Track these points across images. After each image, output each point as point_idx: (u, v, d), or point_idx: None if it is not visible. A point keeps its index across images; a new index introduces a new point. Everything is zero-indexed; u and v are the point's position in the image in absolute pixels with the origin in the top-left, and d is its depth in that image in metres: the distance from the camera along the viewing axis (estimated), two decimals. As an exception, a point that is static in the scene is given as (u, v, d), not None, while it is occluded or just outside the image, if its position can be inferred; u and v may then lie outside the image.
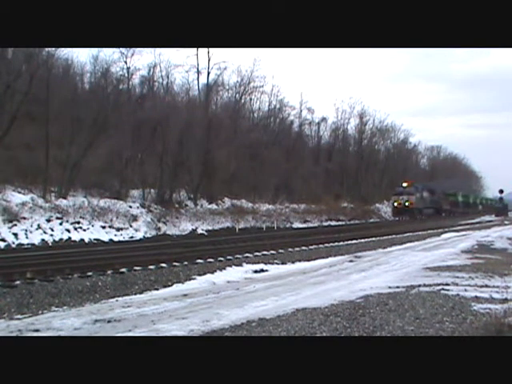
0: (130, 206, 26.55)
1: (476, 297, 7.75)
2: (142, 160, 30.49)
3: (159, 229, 25.68)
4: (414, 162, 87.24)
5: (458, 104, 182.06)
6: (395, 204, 46.49)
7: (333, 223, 35.31)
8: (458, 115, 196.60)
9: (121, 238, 22.65)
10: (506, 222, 38.88)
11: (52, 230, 20.85)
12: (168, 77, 46.73)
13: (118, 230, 23.54)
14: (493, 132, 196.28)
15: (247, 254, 14.34)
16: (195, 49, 44.41)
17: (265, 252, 15.14)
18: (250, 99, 52.08)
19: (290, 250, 16.08)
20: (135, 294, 8.70)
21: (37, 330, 5.97)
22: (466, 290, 8.30)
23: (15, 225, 19.86)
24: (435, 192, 55.34)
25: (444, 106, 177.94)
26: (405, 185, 47.60)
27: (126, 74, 41.63)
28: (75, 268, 10.80)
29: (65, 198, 24.31)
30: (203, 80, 47.05)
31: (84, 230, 22.02)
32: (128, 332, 5.80)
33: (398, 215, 45.66)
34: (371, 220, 43.22)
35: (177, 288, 9.22)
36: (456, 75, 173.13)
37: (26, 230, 19.92)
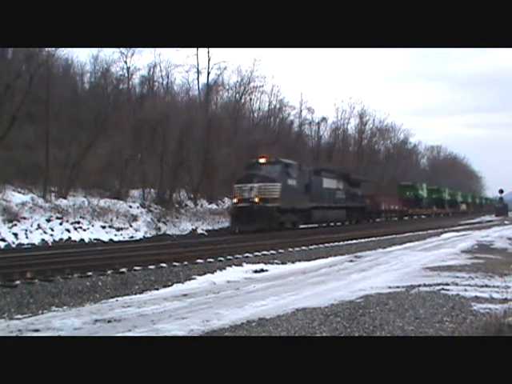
0: (130, 206, 26.57)
1: (476, 297, 7.75)
2: (142, 160, 30.48)
3: (159, 229, 25.68)
4: (414, 161, 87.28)
5: (458, 104, 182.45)
6: (235, 201, 24.78)
7: (333, 223, 35.19)
8: (459, 115, 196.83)
9: (121, 238, 22.65)
10: (506, 222, 38.89)
11: (52, 230, 20.86)
12: (168, 77, 46.83)
13: (118, 229, 23.55)
14: (493, 132, 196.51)
15: (247, 254, 14.34)
16: (195, 49, 44.48)
17: (265, 252, 15.13)
18: (250, 99, 52.13)
19: (289, 249, 16.08)
20: (135, 293, 8.70)
21: (37, 330, 5.97)
22: (465, 290, 8.30)
23: (15, 225, 19.87)
24: (348, 178, 34.27)
25: (444, 105, 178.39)
26: (262, 161, 25.16)
27: (126, 74, 41.73)
28: (75, 268, 10.79)
29: (65, 197, 24.31)
30: (203, 80, 47.14)
31: (84, 230, 22.03)
32: (128, 332, 5.80)
33: (238, 224, 24.13)
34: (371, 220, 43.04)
35: (177, 288, 9.22)
36: (456, 75, 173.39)
37: (26, 230, 19.92)
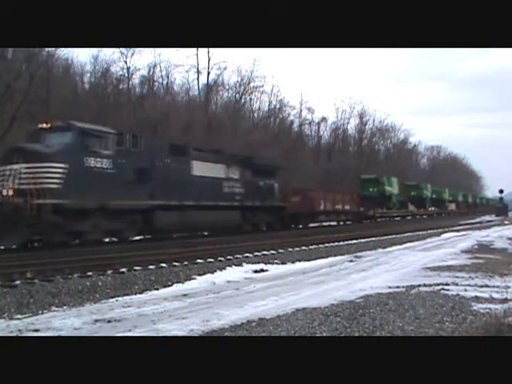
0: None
1: (476, 297, 7.74)
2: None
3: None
4: (414, 161, 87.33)
5: (458, 103, 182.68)
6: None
7: (333, 223, 35.25)
8: (459, 115, 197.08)
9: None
10: (506, 222, 38.89)
11: (52, 230, 20.78)
12: (168, 77, 46.89)
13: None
14: (493, 131, 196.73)
15: (247, 254, 14.34)
16: (195, 49, 44.51)
17: (265, 252, 15.13)
18: (250, 99, 52.25)
19: (289, 250, 16.08)
20: (135, 293, 8.69)
21: (37, 330, 5.96)
22: (466, 290, 8.30)
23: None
24: (249, 164, 24.20)
25: (444, 105, 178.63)
26: (45, 126, 16.02)
27: (126, 74, 41.75)
28: (75, 268, 10.79)
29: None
30: (203, 80, 47.20)
31: (84, 230, 21.91)
32: (128, 332, 5.80)
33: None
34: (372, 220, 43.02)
35: (177, 288, 9.22)
36: (456, 75, 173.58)
37: (26, 230, 19.83)
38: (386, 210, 44.08)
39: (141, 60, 76.14)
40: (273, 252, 15.27)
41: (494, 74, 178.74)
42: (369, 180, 44.78)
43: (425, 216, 54.38)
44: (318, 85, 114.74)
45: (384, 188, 45.01)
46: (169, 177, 18.68)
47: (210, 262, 12.85)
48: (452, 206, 69.72)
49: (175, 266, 12.02)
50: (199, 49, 44.85)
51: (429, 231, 26.38)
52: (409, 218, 48.83)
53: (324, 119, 61.66)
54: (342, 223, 36.15)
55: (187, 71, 47.16)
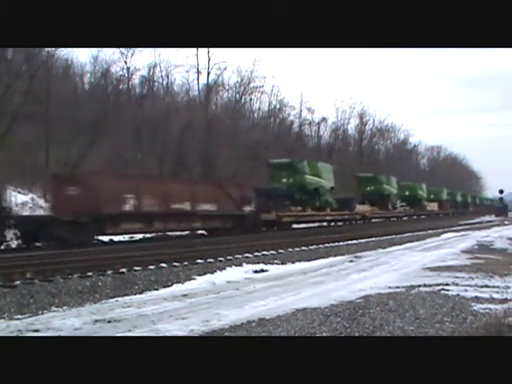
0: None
1: (476, 297, 7.75)
2: (142, 160, 30.51)
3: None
4: (414, 162, 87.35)
5: (458, 103, 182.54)
6: None
7: (333, 223, 35.23)
8: (459, 115, 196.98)
9: (121, 238, 22.61)
10: (506, 222, 38.90)
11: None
12: (168, 77, 46.86)
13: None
14: (494, 131, 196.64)
15: (247, 254, 14.33)
16: (195, 49, 44.49)
17: (265, 252, 15.13)
18: (250, 99, 52.25)
19: (289, 250, 16.07)
20: (135, 294, 8.70)
21: (37, 330, 5.97)
22: (466, 290, 8.30)
23: (15, 225, 19.72)
24: None
25: (445, 105, 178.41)
26: None
27: (126, 74, 41.73)
28: (75, 268, 10.79)
29: (65, 198, 24.19)
30: (203, 80, 47.15)
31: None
32: (128, 332, 5.80)
33: None
34: (372, 220, 42.98)
35: (177, 288, 9.22)
36: (457, 74, 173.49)
37: (26, 230, 19.83)
38: (311, 211, 30.43)
39: (141, 60, 76.17)
40: (273, 252, 15.27)
41: (495, 73, 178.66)
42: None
43: (392, 219, 42.91)
44: (318, 85, 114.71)
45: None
46: None
47: (210, 262, 12.85)
48: (433, 206, 56.39)
49: (175, 266, 12.02)
50: (199, 49, 44.88)
51: (428, 231, 26.38)
52: (360, 222, 36.53)
53: (324, 119, 61.74)
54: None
55: (187, 71, 47.16)
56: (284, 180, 29.40)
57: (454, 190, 68.69)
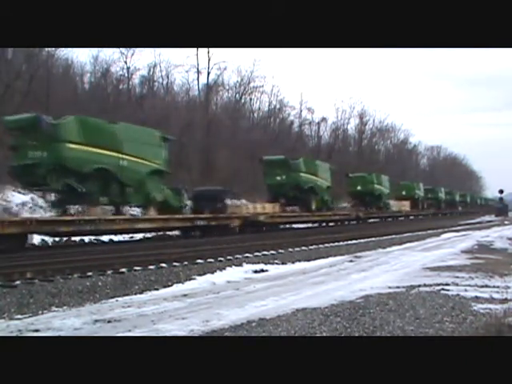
0: (130, 206, 26.36)
1: (476, 297, 7.75)
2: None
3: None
4: (414, 162, 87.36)
5: (458, 103, 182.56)
6: None
7: (333, 223, 35.19)
8: (459, 114, 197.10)
9: (121, 238, 22.60)
10: (506, 222, 38.91)
11: (52, 230, 20.77)
12: (168, 77, 46.90)
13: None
14: (494, 131, 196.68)
15: (247, 254, 14.33)
16: (195, 49, 44.52)
17: (265, 252, 15.13)
18: (250, 99, 52.30)
19: (289, 250, 16.07)
20: (135, 294, 8.70)
21: (37, 330, 5.97)
22: (466, 290, 8.31)
23: (15, 225, 19.71)
24: None
25: (445, 105, 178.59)
26: None
27: (126, 74, 41.76)
28: (75, 268, 10.79)
29: (65, 197, 24.15)
30: (203, 80, 47.22)
31: (84, 230, 21.87)
32: (128, 332, 5.80)
33: None
34: (371, 220, 42.98)
35: (177, 288, 9.22)
36: (457, 74, 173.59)
37: (26, 230, 19.81)
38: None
39: (141, 60, 76.22)
40: (273, 252, 15.27)
41: (496, 73, 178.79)
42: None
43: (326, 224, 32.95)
44: (318, 85, 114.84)
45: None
46: None
47: (210, 262, 12.85)
48: (402, 205, 45.66)
49: (175, 266, 12.02)
50: (199, 49, 44.92)
51: (428, 231, 26.38)
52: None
53: (324, 119, 61.79)
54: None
55: (187, 71, 47.22)
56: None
57: (435, 187, 58.46)
